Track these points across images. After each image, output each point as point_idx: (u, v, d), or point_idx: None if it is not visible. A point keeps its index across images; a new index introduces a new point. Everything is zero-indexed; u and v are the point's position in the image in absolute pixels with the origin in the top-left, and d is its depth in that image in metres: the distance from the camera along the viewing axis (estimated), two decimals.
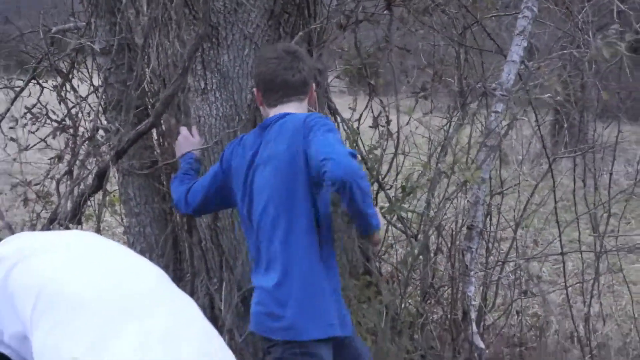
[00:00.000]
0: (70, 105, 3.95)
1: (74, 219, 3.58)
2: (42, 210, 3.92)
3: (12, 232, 3.57)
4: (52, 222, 3.64)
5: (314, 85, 2.96)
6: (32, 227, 3.83)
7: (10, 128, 3.99)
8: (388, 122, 3.87)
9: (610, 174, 4.14)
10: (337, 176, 2.49)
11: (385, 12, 3.76)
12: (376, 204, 3.94)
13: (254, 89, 2.96)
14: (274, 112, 2.83)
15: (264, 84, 2.85)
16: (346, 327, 2.77)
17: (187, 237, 3.56)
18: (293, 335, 2.63)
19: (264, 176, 2.72)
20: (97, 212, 3.78)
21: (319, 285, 2.67)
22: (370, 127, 3.88)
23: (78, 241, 2.38)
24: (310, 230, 2.67)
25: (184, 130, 3.33)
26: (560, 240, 4.08)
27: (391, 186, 3.96)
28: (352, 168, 2.53)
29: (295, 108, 2.83)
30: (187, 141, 3.26)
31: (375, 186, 3.85)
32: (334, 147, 2.60)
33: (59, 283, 2.08)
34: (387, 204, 3.90)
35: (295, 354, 2.63)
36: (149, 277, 2.24)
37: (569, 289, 4.08)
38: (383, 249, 4.26)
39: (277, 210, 2.68)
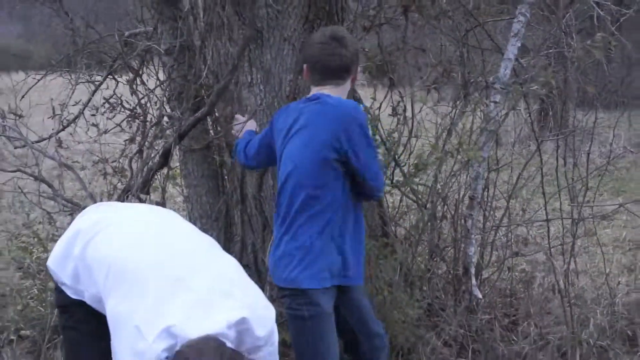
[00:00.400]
0: (140, 96, 3.99)
1: (144, 189, 3.65)
2: (117, 183, 3.99)
3: (94, 201, 3.64)
4: (126, 193, 3.71)
5: (356, 70, 2.86)
6: (110, 197, 3.90)
7: (92, 115, 4.06)
8: (404, 110, 3.92)
9: (588, 154, 4.17)
10: (376, 197, 3.01)
11: (402, 17, 3.79)
12: (393, 180, 4.03)
13: (304, 65, 2.85)
14: (314, 90, 2.79)
15: (309, 65, 2.80)
16: (342, 279, 2.73)
17: (237, 205, 3.65)
18: (295, 285, 2.64)
19: (295, 145, 2.69)
20: (162, 184, 3.86)
21: (317, 247, 2.64)
22: (390, 115, 3.91)
23: (142, 217, 2.42)
24: (320, 202, 2.63)
25: (239, 117, 3.41)
26: (545, 209, 4.14)
27: (405, 164, 4.00)
28: (382, 187, 2.88)
29: (331, 90, 2.74)
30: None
31: (392, 164, 3.92)
32: (379, 173, 2.78)
33: (124, 259, 2.11)
34: (401, 179, 3.98)
35: (300, 303, 2.63)
36: (199, 247, 2.27)
37: (552, 249, 4.13)
38: (397, 215, 4.34)
39: (296, 180, 2.64)
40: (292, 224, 2.66)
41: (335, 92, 2.74)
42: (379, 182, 2.79)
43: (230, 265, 2.23)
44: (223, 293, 2.03)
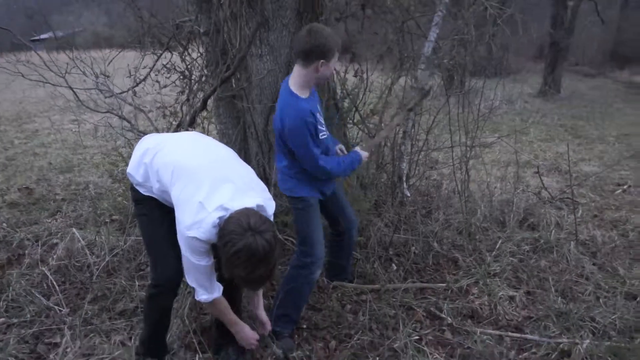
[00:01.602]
0: (187, 63, 3.90)
1: (191, 125, 3.57)
2: (173, 121, 3.87)
3: (158, 132, 3.56)
4: (178, 127, 3.62)
5: (320, 59, 2.34)
6: (168, 130, 3.78)
7: (155, 75, 3.91)
8: (362, 73, 3.79)
9: (478, 105, 4.10)
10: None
11: (361, 11, 3.65)
12: (354, 122, 3.93)
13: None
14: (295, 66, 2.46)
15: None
16: (323, 194, 2.70)
17: (250, 134, 3.55)
18: (294, 193, 2.62)
19: None
20: (202, 121, 3.78)
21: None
22: (353, 76, 3.79)
23: (191, 137, 2.38)
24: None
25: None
26: (451, 140, 4.09)
27: (362, 109, 3.90)
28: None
29: (296, 70, 2.44)
30: None
31: (353, 109, 3.82)
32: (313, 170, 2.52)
33: (183, 162, 2.10)
34: (359, 119, 3.89)
35: (297, 202, 2.62)
36: (230, 157, 2.26)
37: (454, 166, 4.10)
38: (356, 143, 4.24)
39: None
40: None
41: (298, 71, 2.44)
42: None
43: (250, 170, 2.25)
44: (249, 187, 2.10)
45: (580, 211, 4.61)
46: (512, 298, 3.15)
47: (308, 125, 2.37)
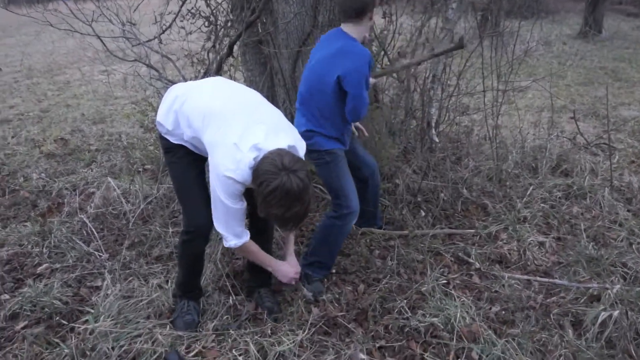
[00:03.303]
0: (213, 8, 3.82)
1: (218, 72, 3.56)
2: (200, 68, 3.85)
3: (185, 80, 3.55)
4: (205, 74, 3.61)
5: (371, 13, 2.48)
6: (195, 78, 3.78)
7: (180, 21, 3.85)
8: (391, 15, 3.66)
9: (513, 47, 3.94)
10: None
11: None
12: (383, 64, 3.84)
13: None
14: (342, 26, 2.53)
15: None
16: (345, 144, 2.69)
17: (278, 81, 3.52)
18: (321, 147, 2.60)
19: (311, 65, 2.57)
20: (229, 69, 3.75)
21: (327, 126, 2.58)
22: (382, 18, 3.66)
23: (219, 82, 2.36)
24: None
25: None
26: (483, 84, 3.96)
27: (391, 52, 3.80)
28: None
29: (348, 28, 2.50)
30: None
31: (382, 53, 3.73)
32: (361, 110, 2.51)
33: (214, 107, 2.10)
34: (388, 63, 3.79)
35: (323, 155, 2.60)
36: (260, 100, 2.25)
37: (486, 111, 4.00)
38: (384, 88, 4.16)
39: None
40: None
41: (351, 29, 2.50)
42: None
43: (279, 112, 2.25)
44: (280, 128, 2.11)
45: (617, 157, 4.47)
46: (541, 244, 3.13)
47: (369, 66, 2.44)
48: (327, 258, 2.73)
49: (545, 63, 8.95)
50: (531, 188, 3.73)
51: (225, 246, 2.22)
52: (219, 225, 2.15)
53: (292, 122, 2.51)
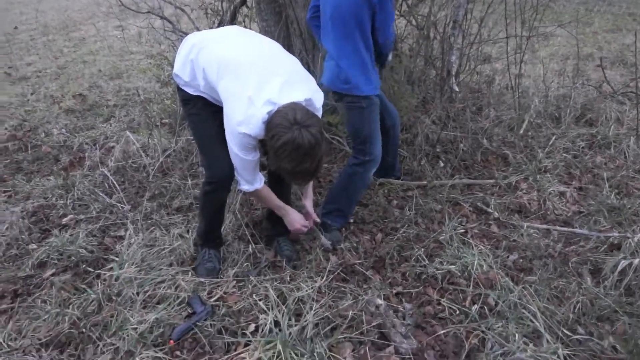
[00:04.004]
0: None
1: (232, 22, 3.51)
2: (214, 19, 3.80)
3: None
4: (219, 25, 3.57)
5: None
6: (210, 27, 3.73)
7: None
8: None
9: None
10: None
11: None
12: (400, 14, 3.73)
13: None
14: None
15: None
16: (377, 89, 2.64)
17: (293, 31, 3.46)
18: (360, 92, 2.54)
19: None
20: (243, 19, 3.70)
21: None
22: None
23: (234, 32, 2.32)
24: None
25: None
26: (506, 31, 3.82)
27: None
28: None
29: None
30: None
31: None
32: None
33: (230, 57, 2.08)
34: (406, 9, 3.69)
35: (359, 99, 2.56)
36: (277, 50, 2.21)
37: (508, 59, 3.89)
38: (403, 36, 4.07)
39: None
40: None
41: None
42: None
43: (297, 63, 2.22)
44: (296, 80, 2.08)
45: None
46: (562, 194, 3.11)
47: None
48: (346, 206, 2.75)
49: (571, 9, 8.62)
50: (554, 138, 3.67)
51: (238, 188, 2.28)
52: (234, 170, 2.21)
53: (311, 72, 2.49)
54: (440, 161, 3.47)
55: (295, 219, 2.49)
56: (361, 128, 2.62)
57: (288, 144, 1.89)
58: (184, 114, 2.44)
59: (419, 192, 3.13)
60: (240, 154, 2.08)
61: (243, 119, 1.97)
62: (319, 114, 2.13)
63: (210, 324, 2.08)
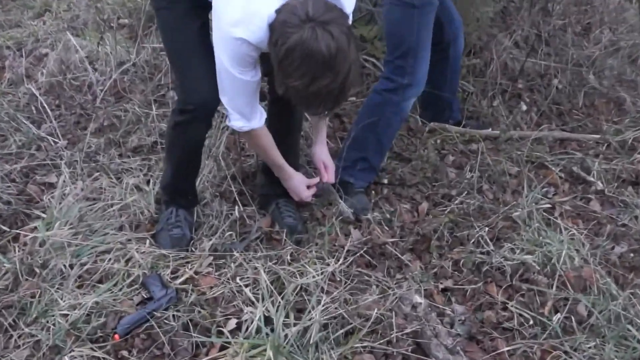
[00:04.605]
0: None
1: None
2: None
3: None
4: None
5: None
6: None
7: None
8: None
9: None
10: None
11: None
12: None
13: None
14: None
15: None
16: None
17: None
18: None
19: None
20: None
21: None
22: None
23: None
24: None
25: None
26: None
27: None
28: None
29: None
30: None
31: None
32: None
33: None
34: None
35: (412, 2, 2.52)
36: None
37: None
38: None
39: None
40: None
41: None
42: None
43: None
44: None
45: None
46: None
47: None
48: (375, 154, 2.74)
49: None
50: None
51: (228, 125, 2.26)
52: (222, 96, 2.17)
53: None
54: (522, 103, 3.47)
55: (297, 186, 2.49)
56: (404, 34, 2.56)
57: (297, 49, 1.81)
58: (153, 8, 2.40)
59: (488, 145, 3.13)
60: (234, 71, 2.05)
61: (240, 17, 1.94)
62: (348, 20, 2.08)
63: (173, 316, 2.08)
